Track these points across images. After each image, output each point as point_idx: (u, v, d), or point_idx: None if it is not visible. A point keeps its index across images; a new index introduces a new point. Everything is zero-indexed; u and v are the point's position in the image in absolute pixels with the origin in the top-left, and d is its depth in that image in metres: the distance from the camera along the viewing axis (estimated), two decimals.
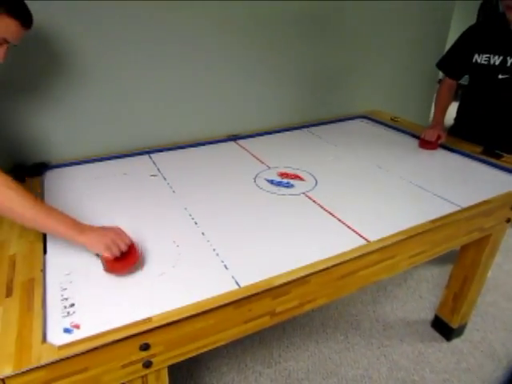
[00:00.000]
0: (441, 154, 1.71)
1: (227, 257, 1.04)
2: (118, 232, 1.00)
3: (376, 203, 1.32)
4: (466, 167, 1.59)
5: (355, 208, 1.28)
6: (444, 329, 1.70)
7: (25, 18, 0.98)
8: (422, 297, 1.92)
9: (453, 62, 1.74)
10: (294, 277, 0.95)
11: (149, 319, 0.82)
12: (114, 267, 0.95)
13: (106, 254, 0.94)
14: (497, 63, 1.57)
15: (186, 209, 1.26)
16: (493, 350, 1.65)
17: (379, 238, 1.11)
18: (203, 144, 1.73)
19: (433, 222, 1.18)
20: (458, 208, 1.27)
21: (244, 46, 1.76)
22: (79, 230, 0.95)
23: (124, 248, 0.97)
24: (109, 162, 1.57)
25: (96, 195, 1.32)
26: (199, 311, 0.85)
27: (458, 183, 1.45)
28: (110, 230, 0.99)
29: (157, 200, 1.30)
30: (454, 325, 1.65)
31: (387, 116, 2.10)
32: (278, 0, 1.73)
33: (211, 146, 1.74)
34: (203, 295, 0.89)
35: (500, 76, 1.58)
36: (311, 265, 0.99)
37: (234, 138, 1.79)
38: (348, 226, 1.18)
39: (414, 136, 1.86)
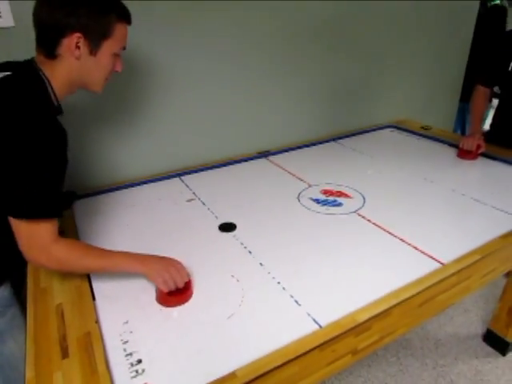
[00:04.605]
0: (481, 163, 1.64)
1: (295, 290, 0.94)
2: (178, 268, 0.93)
3: (436, 219, 1.23)
4: None
5: (415, 226, 1.19)
6: (499, 343, 1.61)
7: (129, 16, 0.95)
8: (468, 310, 1.83)
9: (488, 71, 1.69)
10: (378, 310, 0.86)
11: (233, 375, 0.71)
12: (165, 300, 0.91)
13: (162, 288, 0.90)
14: None
15: (234, 236, 1.16)
16: None
17: (453, 259, 1.02)
18: (233, 163, 1.64)
19: (504, 237, 1.10)
20: None
21: (268, 61, 1.68)
22: (140, 261, 0.93)
23: (180, 285, 0.91)
24: (137, 187, 1.46)
25: (135, 226, 1.22)
26: (287, 359, 0.75)
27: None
28: (171, 265, 0.93)
29: (201, 228, 1.20)
30: (511, 339, 1.57)
31: (416, 125, 2.02)
32: (302, 14, 1.66)
33: (243, 164, 1.65)
34: (283, 338, 0.79)
35: None
36: (394, 295, 0.90)
37: (265, 154, 1.70)
38: (414, 247, 1.09)
39: (450, 145, 1.79)
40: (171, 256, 0.97)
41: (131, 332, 0.83)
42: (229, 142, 1.71)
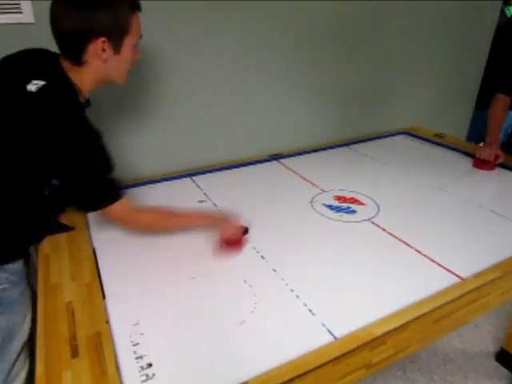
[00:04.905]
0: (498, 174, 1.61)
1: (309, 299, 0.91)
2: (238, 225, 1.12)
3: (452, 231, 1.20)
4: None
5: (431, 237, 1.17)
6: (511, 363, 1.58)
7: (140, 5, 0.94)
8: (478, 326, 1.79)
9: (508, 79, 1.66)
10: (396, 324, 0.83)
11: None
12: (232, 245, 1.08)
13: (231, 238, 1.09)
14: None
15: (246, 240, 1.14)
16: None
17: (472, 273, 1.00)
18: (245, 165, 1.62)
19: None
20: None
21: (281, 63, 1.66)
22: (212, 221, 1.12)
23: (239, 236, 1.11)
24: (147, 186, 1.44)
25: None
26: (301, 372, 0.73)
27: None
28: (231, 220, 1.11)
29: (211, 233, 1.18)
30: None
31: (429, 132, 2.00)
32: (316, 14, 1.64)
33: (254, 166, 1.63)
34: (297, 349, 0.77)
35: None
36: (412, 308, 0.87)
37: (277, 157, 1.68)
38: (431, 259, 1.06)
39: (465, 154, 1.76)
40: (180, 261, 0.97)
41: (142, 334, 0.81)
42: (240, 144, 1.70)
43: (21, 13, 1.08)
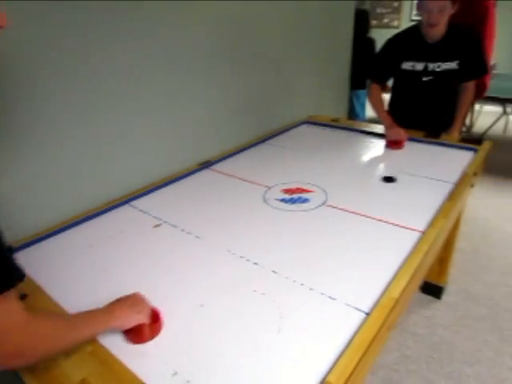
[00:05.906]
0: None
1: (323, 287, 0.95)
2: (141, 298, 0.86)
3: (396, 198, 1.36)
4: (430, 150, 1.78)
5: (382, 206, 1.31)
6: (433, 290, 1.93)
7: None
8: None
9: (382, 70, 1.98)
10: (405, 281, 0.93)
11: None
12: (152, 333, 0.83)
13: (145, 322, 0.83)
14: (420, 69, 1.85)
15: (229, 251, 1.10)
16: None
17: (425, 225, 1.17)
18: (180, 178, 1.53)
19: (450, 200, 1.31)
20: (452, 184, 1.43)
21: (190, 75, 1.62)
22: (110, 316, 0.79)
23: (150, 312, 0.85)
24: (88, 223, 1.25)
25: (105, 269, 1.04)
26: (362, 352, 0.75)
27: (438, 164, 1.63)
28: (133, 299, 0.85)
29: (190, 254, 1.10)
30: (443, 284, 1.91)
31: (326, 118, 2.20)
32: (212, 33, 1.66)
33: (188, 178, 1.55)
34: (341, 336, 0.80)
35: (424, 78, 1.86)
36: (408, 265, 0.98)
37: (207, 165, 1.64)
38: (392, 223, 1.20)
39: (360, 132, 2.02)
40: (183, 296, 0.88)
41: (188, 382, 0.72)
42: (163, 160, 1.59)
43: None
